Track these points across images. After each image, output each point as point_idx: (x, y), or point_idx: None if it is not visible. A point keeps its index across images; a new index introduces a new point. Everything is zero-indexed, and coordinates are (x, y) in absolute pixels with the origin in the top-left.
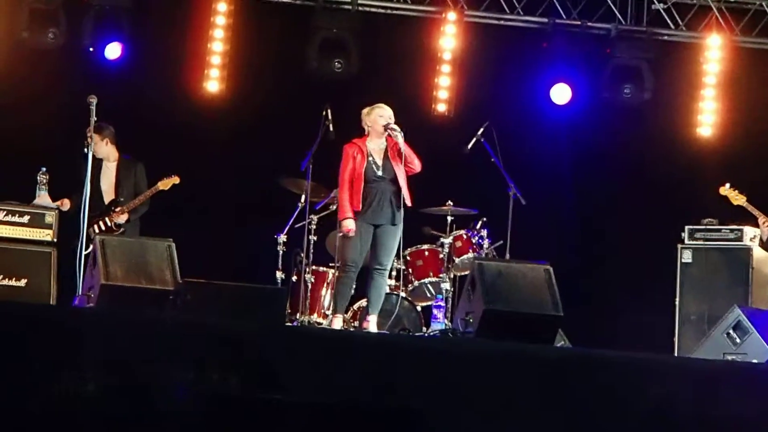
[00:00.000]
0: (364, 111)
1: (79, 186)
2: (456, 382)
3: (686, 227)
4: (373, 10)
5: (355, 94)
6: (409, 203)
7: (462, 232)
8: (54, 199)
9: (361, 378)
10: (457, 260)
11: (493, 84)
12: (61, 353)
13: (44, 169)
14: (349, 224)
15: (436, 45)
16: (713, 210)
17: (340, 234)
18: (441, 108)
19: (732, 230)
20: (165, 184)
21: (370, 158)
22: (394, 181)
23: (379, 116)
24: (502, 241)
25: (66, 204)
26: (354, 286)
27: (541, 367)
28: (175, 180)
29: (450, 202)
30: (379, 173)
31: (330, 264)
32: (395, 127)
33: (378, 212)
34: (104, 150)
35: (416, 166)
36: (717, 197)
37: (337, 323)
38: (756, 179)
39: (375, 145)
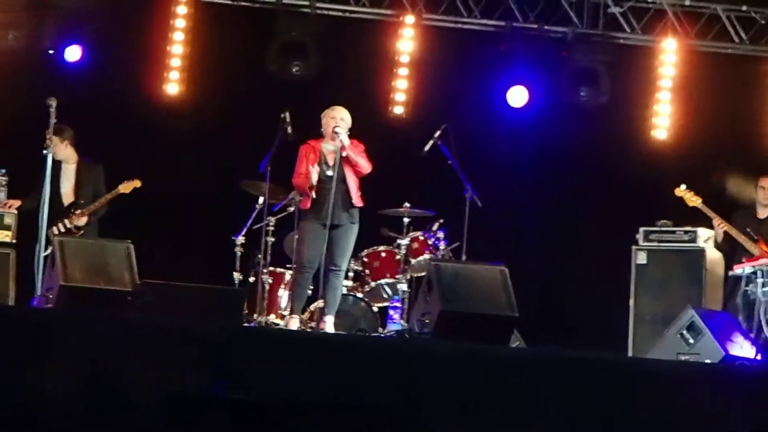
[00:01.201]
0: (323, 113)
1: (37, 187)
2: (412, 382)
3: (641, 229)
4: (332, 13)
5: (314, 97)
6: (357, 204)
7: (419, 233)
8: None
9: (318, 378)
10: (413, 261)
11: (451, 87)
12: (21, 354)
13: (4, 170)
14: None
15: (393, 48)
16: (669, 211)
17: (297, 236)
18: (398, 110)
19: (686, 232)
20: (126, 188)
21: (322, 158)
22: (345, 181)
23: (330, 118)
24: (458, 243)
25: (14, 205)
26: (311, 287)
27: (497, 367)
28: (137, 183)
29: (407, 204)
30: (329, 173)
31: (287, 265)
32: (339, 131)
33: (328, 212)
34: (64, 152)
35: (363, 168)
36: (673, 199)
37: (294, 324)
38: (711, 181)
39: (329, 146)
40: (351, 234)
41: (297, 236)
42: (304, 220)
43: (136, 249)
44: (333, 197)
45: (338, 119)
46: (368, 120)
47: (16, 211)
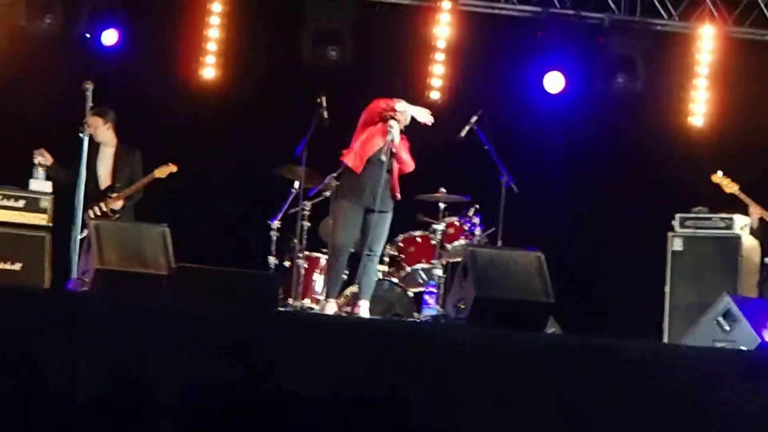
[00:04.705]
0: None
1: (74, 168)
2: (447, 367)
3: (677, 215)
4: None
5: (350, 83)
6: (397, 196)
7: (454, 219)
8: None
9: (353, 363)
10: (449, 247)
11: (487, 72)
12: (55, 338)
13: (42, 150)
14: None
15: (430, 34)
16: (705, 198)
17: (332, 220)
18: (434, 96)
19: (722, 218)
20: (162, 172)
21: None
22: (391, 171)
23: (391, 108)
24: (494, 228)
25: (48, 157)
26: (346, 272)
27: (533, 354)
28: (172, 168)
29: (443, 189)
30: (383, 158)
31: (322, 250)
32: (393, 125)
33: (370, 196)
34: (105, 134)
35: (406, 166)
36: (709, 185)
37: (330, 308)
38: (748, 168)
39: (389, 135)
40: (388, 221)
41: (332, 218)
42: (341, 198)
43: (172, 233)
44: (377, 182)
45: (398, 113)
46: None
47: (52, 195)
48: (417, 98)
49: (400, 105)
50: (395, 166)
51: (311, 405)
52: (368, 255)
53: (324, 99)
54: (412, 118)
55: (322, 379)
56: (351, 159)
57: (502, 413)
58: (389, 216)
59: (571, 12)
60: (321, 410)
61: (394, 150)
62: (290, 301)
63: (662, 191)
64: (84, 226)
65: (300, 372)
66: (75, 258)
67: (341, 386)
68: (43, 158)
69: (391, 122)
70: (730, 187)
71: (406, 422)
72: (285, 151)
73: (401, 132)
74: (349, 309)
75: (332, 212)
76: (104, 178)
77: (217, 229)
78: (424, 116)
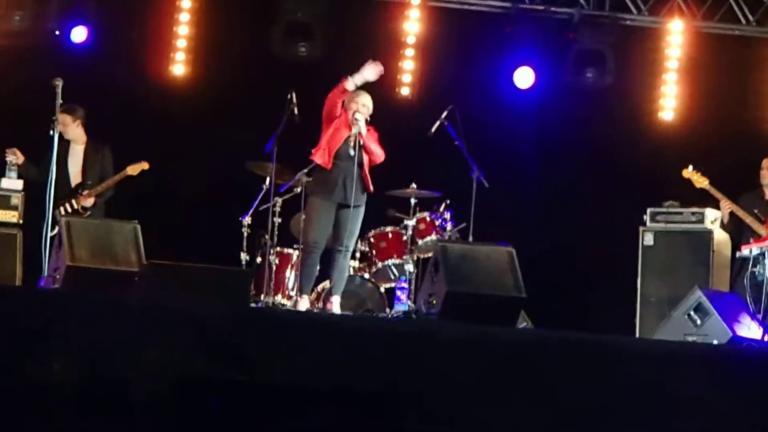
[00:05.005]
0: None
1: (45, 166)
2: (419, 363)
3: (648, 210)
4: None
5: (320, 78)
6: (370, 189)
7: (425, 214)
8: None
9: (325, 359)
10: (420, 242)
11: (457, 68)
12: (28, 335)
13: (14, 149)
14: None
15: (400, 29)
16: (676, 193)
17: (304, 215)
18: (405, 92)
19: (693, 213)
20: (134, 170)
21: (349, 137)
22: (362, 165)
23: (353, 102)
24: (465, 224)
25: (20, 155)
26: (318, 267)
27: (505, 348)
28: (144, 166)
29: (414, 185)
30: (351, 153)
31: (294, 246)
32: (359, 117)
33: (342, 192)
34: (74, 132)
35: (377, 157)
36: (680, 180)
37: (303, 304)
38: (718, 162)
39: (353, 129)
40: (361, 216)
41: (304, 215)
42: (313, 195)
43: (143, 230)
44: (348, 177)
45: (360, 105)
46: (375, 101)
47: (23, 192)
48: (387, 94)
49: (349, 84)
50: (365, 158)
51: (284, 396)
52: (340, 251)
53: (294, 95)
54: (372, 104)
55: (294, 373)
56: (319, 156)
57: (472, 407)
58: (362, 210)
59: (540, 7)
60: (294, 402)
61: (362, 142)
62: (262, 297)
63: (633, 186)
64: (55, 223)
65: (275, 366)
66: (46, 255)
67: (314, 379)
68: (14, 157)
69: (357, 115)
70: (701, 181)
71: (381, 415)
72: (256, 148)
73: (368, 122)
74: (321, 305)
75: (305, 209)
76: (75, 175)
77: (188, 226)
78: (373, 71)
